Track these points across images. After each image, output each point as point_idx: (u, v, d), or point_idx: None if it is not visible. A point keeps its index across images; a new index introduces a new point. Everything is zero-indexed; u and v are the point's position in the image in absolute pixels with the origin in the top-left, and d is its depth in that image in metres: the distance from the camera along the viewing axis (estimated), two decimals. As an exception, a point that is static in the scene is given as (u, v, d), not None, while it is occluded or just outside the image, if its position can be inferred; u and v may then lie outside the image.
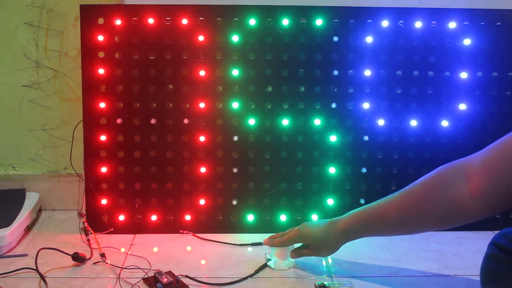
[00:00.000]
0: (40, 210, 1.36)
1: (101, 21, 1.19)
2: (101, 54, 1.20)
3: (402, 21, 1.20)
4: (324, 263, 1.10)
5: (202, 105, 1.22)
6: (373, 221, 0.98)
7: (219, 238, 1.21)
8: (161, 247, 1.18)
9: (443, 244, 1.19)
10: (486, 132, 1.23)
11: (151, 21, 1.19)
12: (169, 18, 1.19)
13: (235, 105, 1.22)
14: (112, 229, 1.24)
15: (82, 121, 1.23)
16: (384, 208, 0.96)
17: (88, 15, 1.18)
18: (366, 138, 1.24)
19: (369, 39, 1.20)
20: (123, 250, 1.16)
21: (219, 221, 1.25)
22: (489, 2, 1.24)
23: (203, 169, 1.24)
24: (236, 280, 1.03)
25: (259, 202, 1.25)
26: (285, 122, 1.22)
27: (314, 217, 1.25)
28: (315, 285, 1.00)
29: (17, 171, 1.39)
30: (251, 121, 1.22)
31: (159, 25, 1.19)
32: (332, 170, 1.24)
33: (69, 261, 1.09)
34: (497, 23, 1.20)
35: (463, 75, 1.21)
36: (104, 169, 1.23)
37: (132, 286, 1.01)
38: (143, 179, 1.24)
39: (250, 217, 1.25)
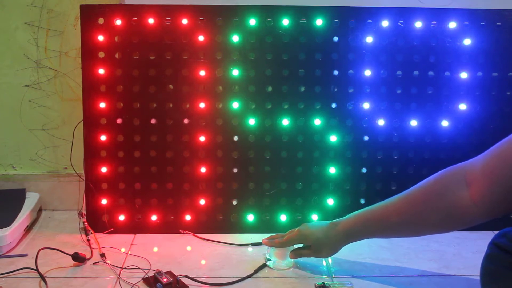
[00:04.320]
0: (40, 210, 1.36)
1: (101, 21, 1.19)
2: (101, 54, 1.20)
3: (402, 21, 1.20)
4: (324, 263, 1.10)
5: (202, 105, 1.22)
6: (374, 224, 0.98)
7: (219, 238, 1.21)
8: (161, 247, 1.18)
9: (443, 244, 1.19)
10: (486, 132, 1.23)
11: (151, 21, 1.19)
12: (169, 18, 1.19)
13: (235, 105, 1.22)
14: (112, 229, 1.24)
15: (82, 121, 1.23)
16: (385, 211, 0.97)
17: (88, 15, 1.18)
18: (366, 138, 1.24)
19: (369, 39, 1.20)
20: (123, 250, 1.16)
21: (219, 221, 1.25)
22: (489, 2, 1.23)
23: (203, 169, 1.24)
24: (236, 280, 1.03)
25: (259, 202, 1.25)
26: (285, 122, 1.22)
27: (314, 217, 1.25)
28: (315, 285, 1.00)
29: (17, 171, 1.39)
30: (251, 121, 1.22)
31: (159, 25, 1.19)
32: (332, 170, 1.24)
33: (69, 261, 1.09)
34: (497, 23, 1.20)
35: (463, 75, 1.21)
36: (104, 169, 1.23)
37: (132, 286, 1.01)
38: (143, 179, 1.24)
39: (250, 217, 1.25)
